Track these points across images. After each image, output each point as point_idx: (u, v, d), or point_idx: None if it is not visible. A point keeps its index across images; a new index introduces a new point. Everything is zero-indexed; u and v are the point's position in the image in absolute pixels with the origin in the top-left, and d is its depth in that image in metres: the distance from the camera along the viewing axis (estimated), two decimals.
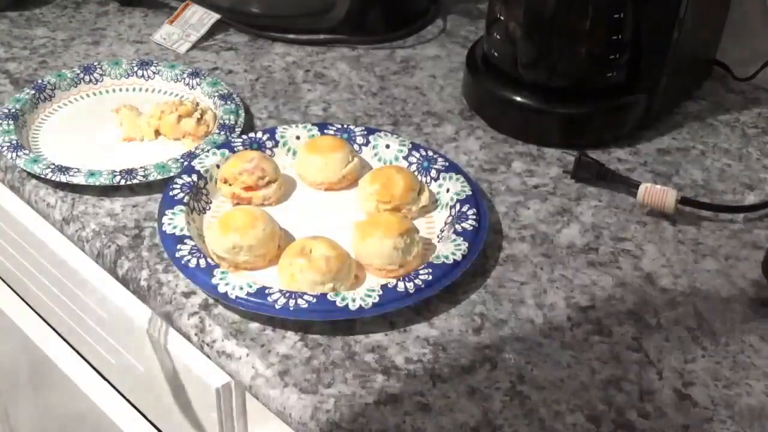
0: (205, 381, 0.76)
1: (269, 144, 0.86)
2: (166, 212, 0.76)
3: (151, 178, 0.81)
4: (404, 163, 0.84)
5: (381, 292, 0.69)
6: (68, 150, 0.87)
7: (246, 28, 1.09)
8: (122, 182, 0.80)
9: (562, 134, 0.91)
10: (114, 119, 0.91)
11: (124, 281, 0.76)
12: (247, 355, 0.67)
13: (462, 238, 0.74)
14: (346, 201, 0.82)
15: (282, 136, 0.87)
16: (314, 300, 0.68)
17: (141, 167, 0.82)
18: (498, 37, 0.91)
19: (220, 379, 0.75)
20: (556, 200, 0.84)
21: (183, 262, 0.71)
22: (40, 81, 0.94)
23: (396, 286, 0.70)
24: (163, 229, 0.74)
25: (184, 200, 0.78)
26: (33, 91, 0.93)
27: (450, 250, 0.73)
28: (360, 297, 0.68)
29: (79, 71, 0.96)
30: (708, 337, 0.70)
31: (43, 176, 0.81)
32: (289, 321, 0.69)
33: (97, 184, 0.80)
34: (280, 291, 0.69)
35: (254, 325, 0.69)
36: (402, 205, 0.78)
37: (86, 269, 0.87)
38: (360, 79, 1.01)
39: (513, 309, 0.71)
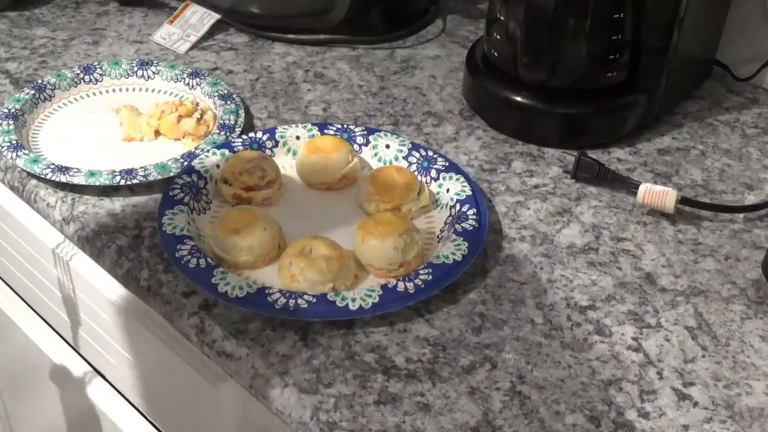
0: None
1: (269, 144, 0.86)
2: (166, 212, 0.76)
3: (151, 178, 0.81)
4: (404, 163, 0.84)
5: (381, 292, 0.69)
6: (68, 150, 0.87)
7: (246, 28, 1.09)
8: (122, 182, 0.80)
9: (562, 134, 0.91)
10: (114, 119, 0.91)
11: (124, 281, 0.76)
12: (247, 355, 0.67)
13: (462, 238, 0.74)
14: (346, 201, 0.82)
15: (282, 136, 0.87)
16: (314, 300, 0.68)
17: (141, 167, 0.82)
18: (498, 37, 0.91)
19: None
20: (556, 200, 0.84)
21: (183, 262, 0.71)
22: (40, 81, 0.94)
23: (396, 286, 0.70)
24: (163, 229, 0.74)
25: (184, 200, 0.78)
26: (33, 91, 0.93)
27: (450, 250, 0.73)
28: (360, 297, 0.68)
29: (79, 71, 0.96)
30: (708, 337, 0.70)
31: (43, 176, 0.81)
32: (289, 321, 0.69)
33: (97, 184, 0.80)
34: (280, 291, 0.69)
35: (254, 325, 0.69)
36: (402, 205, 0.78)
37: (86, 269, 0.87)
38: (360, 79, 1.01)
39: (513, 309, 0.71)
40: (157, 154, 0.86)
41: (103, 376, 0.97)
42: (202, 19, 1.08)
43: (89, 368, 0.99)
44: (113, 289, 0.85)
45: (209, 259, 0.72)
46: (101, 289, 0.86)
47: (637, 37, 0.88)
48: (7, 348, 1.12)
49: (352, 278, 0.72)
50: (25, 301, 1.06)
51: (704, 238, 0.80)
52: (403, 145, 0.85)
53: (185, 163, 0.82)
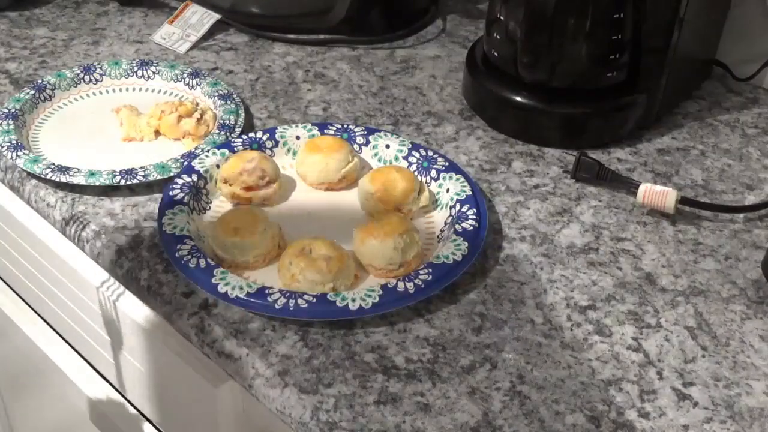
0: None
1: (269, 144, 0.86)
2: (166, 212, 0.76)
3: (151, 178, 0.81)
4: (404, 163, 0.84)
5: (381, 292, 0.69)
6: (68, 150, 0.87)
7: (246, 28, 1.09)
8: (122, 182, 0.80)
9: (562, 134, 0.91)
10: (114, 119, 0.91)
11: (124, 281, 0.76)
12: (247, 355, 0.67)
13: (462, 238, 0.74)
14: (346, 201, 0.82)
15: (282, 136, 0.87)
16: (314, 300, 0.68)
17: (141, 167, 0.82)
18: (498, 37, 0.91)
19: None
20: (556, 200, 0.84)
21: (183, 262, 0.71)
22: (40, 81, 0.94)
23: (396, 286, 0.70)
24: (163, 229, 0.74)
25: (184, 200, 0.78)
26: (33, 91, 0.93)
27: (450, 250, 0.73)
28: (360, 297, 0.68)
29: (79, 71, 0.96)
30: (708, 337, 0.70)
31: (43, 176, 0.81)
32: (289, 321, 0.69)
33: (97, 184, 0.80)
34: (280, 291, 0.69)
35: (254, 325, 0.69)
36: (402, 205, 0.78)
37: (86, 269, 0.87)
38: (360, 79, 1.01)
39: (513, 309, 0.71)
40: (157, 154, 0.86)
41: (104, 376, 0.97)
42: (202, 19, 1.08)
43: (89, 368, 0.99)
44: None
45: (209, 259, 0.72)
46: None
47: (637, 37, 0.88)
48: (8, 348, 1.12)
49: (352, 278, 0.72)
50: (24, 301, 1.06)
51: (704, 238, 0.80)
52: (403, 145, 0.85)
53: (185, 163, 0.82)
